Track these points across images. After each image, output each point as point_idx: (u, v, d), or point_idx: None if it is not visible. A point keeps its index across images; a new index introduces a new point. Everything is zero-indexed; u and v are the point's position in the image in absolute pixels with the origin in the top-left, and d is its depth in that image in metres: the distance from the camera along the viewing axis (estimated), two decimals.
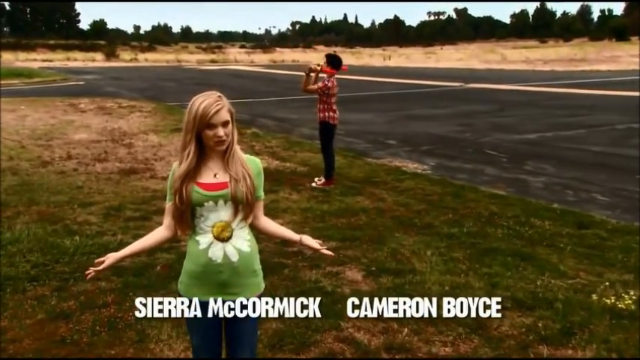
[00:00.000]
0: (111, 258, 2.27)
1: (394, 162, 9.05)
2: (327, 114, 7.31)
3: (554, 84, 25.59)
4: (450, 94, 22.41)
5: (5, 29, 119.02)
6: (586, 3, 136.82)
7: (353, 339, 3.54)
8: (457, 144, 10.74)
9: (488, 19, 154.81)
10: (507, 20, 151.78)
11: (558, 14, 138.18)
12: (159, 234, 2.34)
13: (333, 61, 7.32)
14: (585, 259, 4.79)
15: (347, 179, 7.70)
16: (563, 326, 3.61)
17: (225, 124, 2.19)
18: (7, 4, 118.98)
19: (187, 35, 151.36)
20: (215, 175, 2.23)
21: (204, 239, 2.25)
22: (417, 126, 13.11)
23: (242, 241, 2.28)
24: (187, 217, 2.24)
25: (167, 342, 3.50)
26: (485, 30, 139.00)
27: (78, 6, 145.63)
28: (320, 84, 7.22)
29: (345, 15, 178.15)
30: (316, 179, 7.51)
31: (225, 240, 2.25)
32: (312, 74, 7.29)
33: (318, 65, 7.33)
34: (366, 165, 8.76)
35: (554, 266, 4.62)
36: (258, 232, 2.38)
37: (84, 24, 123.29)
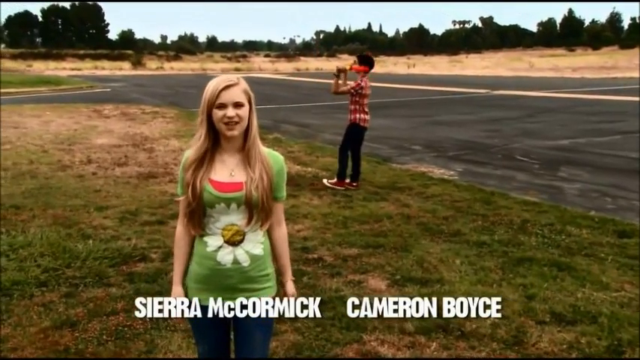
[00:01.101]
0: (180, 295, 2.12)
1: (419, 167, 8.74)
2: (358, 115, 7.06)
3: (585, 90, 24.92)
4: (476, 100, 21.97)
5: (38, 40, 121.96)
6: (615, 10, 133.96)
7: (376, 353, 3.26)
8: (485, 150, 10.37)
9: (515, 28, 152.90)
10: (534, 29, 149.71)
11: (587, 22, 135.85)
12: (186, 244, 2.13)
13: (365, 61, 7.08)
14: (629, 271, 4.42)
15: (370, 184, 7.42)
16: (610, 343, 3.27)
17: (237, 105, 1.96)
18: (39, 16, 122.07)
19: (213, 44, 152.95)
20: (231, 173, 2.00)
21: (212, 241, 2.04)
22: (442, 132, 12.77)
23: (255, 244, 2.06)
24: (199, 216, 2.02)
25: (176, 353, 3.27)
26: (512, 38, 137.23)
27: (107, 17, 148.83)
28: (353, 83, 7.00)
29: (370, 24, 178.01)
30: (346, 180, 7.31)
31: (235, 244, 2.03)
32: (342, 75, 7.12)
33: (348, 66, 7.16)
34: (390, 170, 8.47)
35: (596, 277, 4.26)
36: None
37: (112, 34, 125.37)
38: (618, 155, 9.59)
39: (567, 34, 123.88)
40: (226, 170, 2.01)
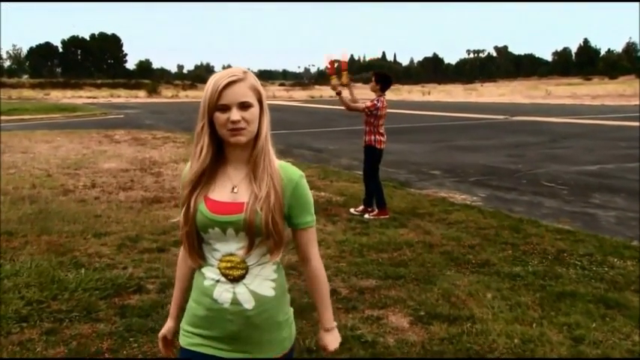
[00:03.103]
0: (169, 334, 1.81)
1: (440, 193, 8.23)
2: (373, 137, 6.60)
3: (608, 117, 24.29)
4: (495, 126, 21.43)
5: (58, 70, 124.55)
6: (632, 40, 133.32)
7: None
8: (509, 175, 9.83)
9: (530, 57, 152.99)
10: (549, 58, 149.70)
11: (603, 52, 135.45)
12: (187, 270, 1.76)
13: (383, 80, 6.65)
14: None
15: (388, 210, 6.91)
16: None
17: (243, 105, 1.52)
18: (60, 47, 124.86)
19: None
20: (234, 189, 1.56)
21: (210, 273, 1.60)
22: (462, 157, 12.25)
23: (262, 282, 1.59)
24: (193, 240, 1.60)
25: None
26: (527, 68, 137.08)
27: (126, 47, 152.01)
28: (368, 103, 6.55)
29: (384, 53, 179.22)
30: (359, 207, 6.78)
31: (235, 280, 1.56)
32: (343, 91, 6.67)
33: (335, 78, 6.70)
34: (408, 195, 7.96)
35: None
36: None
37: (130, 64, 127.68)
38: None
39: (583, 63, 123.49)
40: (229, 185, 1.58)
